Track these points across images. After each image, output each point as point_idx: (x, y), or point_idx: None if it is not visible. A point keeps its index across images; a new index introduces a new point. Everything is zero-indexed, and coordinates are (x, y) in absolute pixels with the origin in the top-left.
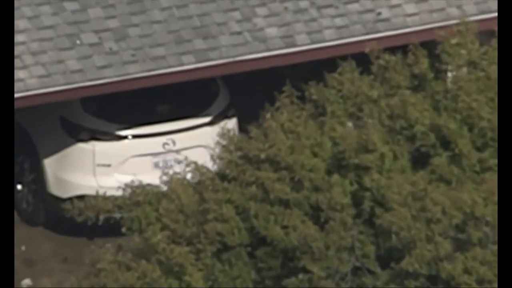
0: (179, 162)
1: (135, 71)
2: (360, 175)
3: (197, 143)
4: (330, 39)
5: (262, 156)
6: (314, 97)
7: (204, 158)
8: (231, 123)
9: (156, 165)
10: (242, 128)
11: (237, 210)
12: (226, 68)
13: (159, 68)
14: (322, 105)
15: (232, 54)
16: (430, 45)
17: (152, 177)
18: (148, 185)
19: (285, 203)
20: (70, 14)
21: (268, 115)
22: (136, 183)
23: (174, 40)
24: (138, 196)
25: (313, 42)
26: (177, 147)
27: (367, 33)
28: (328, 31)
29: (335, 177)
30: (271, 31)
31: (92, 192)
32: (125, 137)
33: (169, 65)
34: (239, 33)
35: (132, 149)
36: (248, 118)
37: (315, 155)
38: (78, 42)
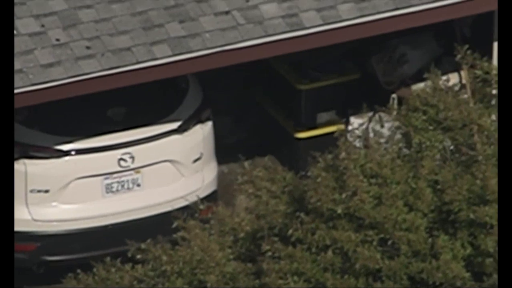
0: (138, 184)
1: (93, 70)
2: (476, 234)
3: (163, 158)
4: (348, 17)
5: (339, 210)
6: (396, 123)
7: (172, 178)
8: (206, 129)
9: (108, 188)
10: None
11: (308, 285)
12: (211, 61)
13: (124, 64)
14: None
15: (219, 42)
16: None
17: (104, 205)
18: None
19: (375, 275)
20: None
21: (341, 151)
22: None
23: (141, 26)
24: (165, 264)
25: (325, 22)
26: (137, 164)
27: (396, 8)
28: (344, 7)
29: (442, 237)
30: (269, 9)
31: (25, 227)
32: (67, 153)
33: (137, 60)
34: (226, 13)
35: (77, 169)
36: (225, 120)
37: (411, 208)
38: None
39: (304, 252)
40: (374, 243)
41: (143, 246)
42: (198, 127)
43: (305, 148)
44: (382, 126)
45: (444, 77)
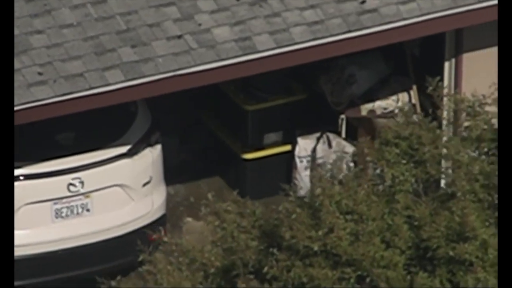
0: (88, 209)
1: (45, 96)
2: (455, 271)
3: (113, 182)
4: (301, 40)
5: (316, 247)
6: (368, 158)
7: (121, 202)
8: (156, 152)
9: (58, 214)
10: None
11: None
12: (165, 86)
13: (77, 90)
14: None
15: (171, 67)
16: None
17: (53, 231)
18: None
19: None
20: None
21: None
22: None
23: (93, 50)
24: None
25: (279, 46)
26: (86, 188)
27: (349, 31)
28: (297, 29)
29: (421, 274)
30: (221, 33)
31: None
32: (16, 178)
33: (89, 85)
34: (178, 37)
35: (26, 194)
36: (171, 141)
37: (388, 245)
38: None
39: None
40: (352, 280)
41: (113, 283)
42: (147, 150)
43: (252, 169)
44: (330, 147)
45: (393, 97)
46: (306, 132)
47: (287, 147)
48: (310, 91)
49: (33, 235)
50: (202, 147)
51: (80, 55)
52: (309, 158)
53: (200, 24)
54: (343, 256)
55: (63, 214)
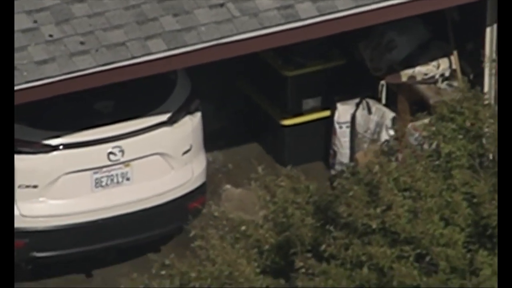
0: (128, 178)
1: (88, 66)
2: None
3: (153, 150)
4: (344, 8)
5: (374, 225)
6: (424, 133)
7: (162, 171)
8: (195, 120)
9: (98, 183)
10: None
11: None
12: (207, 55)
13: (120, 60)
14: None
15: (214, 35)
16: None
17: (93, 200)
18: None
19: None
20: None
21: (370, 161)
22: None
23: (135, 20)
24: (193, 281)
25: (321, 13)
26: (126, 157)
27: None
28: None
29: (481, 253)
30: (264, 1)
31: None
32: (55, 148)
33: (132, 55)
34: (221, 5)
35: (66, 164)
36: (208, 107)
37: (447, 222)
38: None
39: (339, 268)
40: (411, 258)
41: (167, 261)
42: (187, 118)
43: (291, 135)
44: (370, 113)
45: (434, 63)
46: (345, 98)
47: (326, 113)
48: (349, 56)
49: (72, 204)
50: (239, 113)
51: (122, 24)
52: (348, 124)
53: None
54: (401, 234)
55: (103, 183)
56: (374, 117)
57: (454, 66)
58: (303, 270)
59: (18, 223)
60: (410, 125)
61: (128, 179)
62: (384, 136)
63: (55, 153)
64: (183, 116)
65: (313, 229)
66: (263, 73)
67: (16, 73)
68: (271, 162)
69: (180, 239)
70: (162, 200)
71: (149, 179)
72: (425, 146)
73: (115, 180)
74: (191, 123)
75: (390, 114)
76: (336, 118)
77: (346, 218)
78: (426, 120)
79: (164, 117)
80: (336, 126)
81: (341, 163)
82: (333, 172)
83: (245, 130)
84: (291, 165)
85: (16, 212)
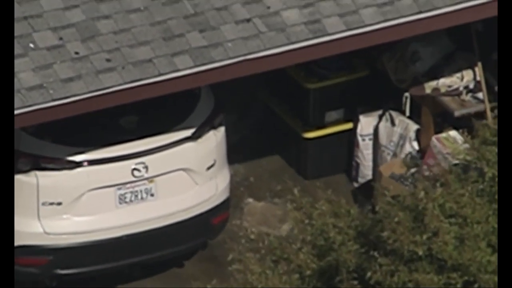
0: (152, 194)
1: (114, 83)
2: None
3: (177, 166)
4: (371, 22)
5: (420, 252)
6: (468, 157)
7: (186, 186)
8: (219, 135)
9: (122, 199)
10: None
11: None
12: (234, 71)
13: (146, 77)
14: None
15: (241, 51)
16: None
17: (117, 217)
18: None
19: None
20: (16, 6)
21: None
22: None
23: (161, 36)
24: None
25: (349, 28)
26: (150, 173)
27: (420, 12)
28: (367, 11)
29: None
30: (291, 15)
31: (37, 241)
32: (80, 164)
33: (159, 72)
34: (247, 20)
35: (90, 180)
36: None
37: (494, 249)
38: (31, 45)
39: None
40: (459, 286)
41: (208, 286)
42: (211, 133)
43: (313, 148)
44: (393, 125)
45: (458, 74)
46: (368, 110)
47: (349, 125)
48: (372, 68)
49: (96, 221)
50: (260, 125)
51: (148, 41)
52: (371, 137)
53: (269, 7)
54: (448, 261)
55: (127, 200)
56: (398, 129)
57: (478, 78)
58: None
59: (42, 241)
60: (434, 137)
61: (152, 195)
62: (408, 149)
63: (79, 169)
64: (207, 131)
65: (357, 255)
66: (285, 84)
67: (42, 91)
68: (293, 175)
69: (202, 253)
70: (186, 216)
71: (173, 195)
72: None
73: (139, 196)
74: (215, 138)
75: (414, 126)
76: (359, 130)
77: (392, 244)
78: (451, 133)
79: (188, 132)
80: (359, 138)
81: (364, 176)
82: (356, 185)
83: (266, 143)
84: (312, 177)
85: (40, 229)
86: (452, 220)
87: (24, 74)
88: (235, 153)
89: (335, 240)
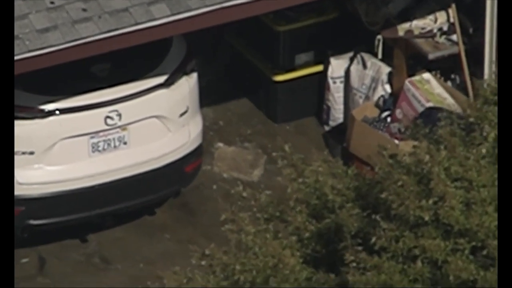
0: (125, 142)
1: (91, 33)
2: None
3: (150, 113)
4: None
5: (427, 217)
6: (471, 119)
7: (158, 134)
8: (192, 81)
9: (95, 148)
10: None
11: None
12: (211, 19)
13: (123, 26)
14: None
15: None
16: None
17: (90, 165)
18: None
19: (469, 287)
20: None
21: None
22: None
23: None
24: (237, 274)
25: None
26: (124, 121)
27: None
28: None
29: None
30: None
31: None
32: (52, 113)
33: (135, 21)
34: None
35: (62, 129)
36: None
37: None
38: None
39: (390, 262)
40: (466, 251)
41: (207, 251)
42: (184, 79)
43: (283, 91)
44: (365, 67)
45: (431, 16)
46: (338, 52)
47: (319, 68)
48: (343, 10)
49: (69, 170)
50: (227, 68)
51: None
52: (342, 79)
53: None
54: (455, 226)
55: (100, 148)
56: (370, 72)
57: (452, 20)
58: (354, 264)
59: (14, 191)
60: (407, 80)
61: (125, 143)
62: (380, 92)
63: (51, 118)
64: (179, 78)
65: (359, 218)
66: (253, 27)
67: (18, 42)
68: (262, 118)
69: (173, 201)
70: (159, 164)
71: (146, 143)
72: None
73: (112, 145)
74: (188, 84)
75: (386, 69)
76: (329, 73)
77: (396, 209)
78: (424, 75)
79: (161, 79)
80: (330, 81)
81: (335, 119)
82: (326, 128)
83: (234, 86)
84: (282, 121)
85: None
86: (458, 184)
87: None
88: (203, 97)
89: (333, 201)
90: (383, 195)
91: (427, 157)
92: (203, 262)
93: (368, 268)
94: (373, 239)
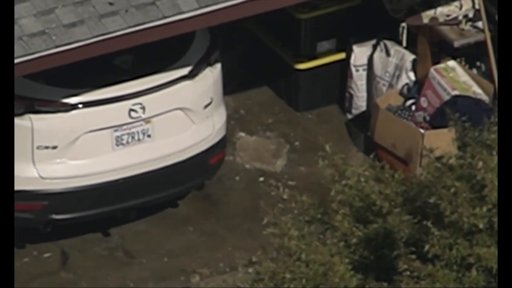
0: (149, 135)
1: (118, 28)
2: None
3: (174, 106)
4: None
5: (481, 225)
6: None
7: (182, 126)
8: (216, 72)
9: (119, 141)
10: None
11: None
12: (239, 11)
13: (150, 20)
14: None
15: None
16: None
17: (114, 159)
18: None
19: None
20: None
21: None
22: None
23: None
24: (287, 282)
25: None
26: (148, 114)
27: None
28: None
29: None
30: None
31: (32, 186)
32: (75, 106)
33: (162, 14)
34: None
35: (86, 122)
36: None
37: None
38: None
39: (444, 271)
40: None
41: (254, 258)
42: (208, 70)
43: (305, 79)
44: (388, 55)
45: (456, 3)
46: (361, 39)
47: (342, 56)
48: None
49: (92, 164)
50: (247, 56)
51: None
52: (365, 67)
53: None
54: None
55: (124, 142)
56: (393, 60)
57: (477, 6)
58: (407, 272)
59: (37, 185)
60: (432, 68)
61: (149, 136)
62: (404, 80)
63: (74, 111)
64: (203, 69)
65: (410, 225)
66: (274, 15)
67: (44, 37)
68: (284, 107)
69: (195, 192)
70: (183, 157)
71: (170, 135)
72: None
73: (136, 138)
74: (212, 76)
75: (410, 57)
76: (352, 60)
77: (449, 216)
78: (449, 63)
79: (184, 71)
80: (353, 69)
81: (358, 107)
82: (349, 116)
83: (254, 74)
84: (304, 109)
85: (35, 174)
86: None
87: (26, 20)
88: (223, 85)
89: (381, 207)
90: (431, 200)
91: (480, 163)
92: (250, 270)
93: (422, 277)
94: (427, 247)
